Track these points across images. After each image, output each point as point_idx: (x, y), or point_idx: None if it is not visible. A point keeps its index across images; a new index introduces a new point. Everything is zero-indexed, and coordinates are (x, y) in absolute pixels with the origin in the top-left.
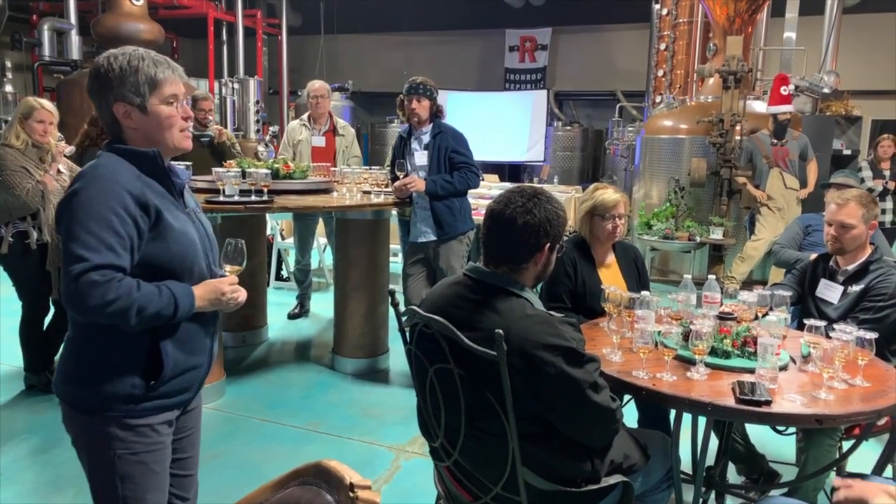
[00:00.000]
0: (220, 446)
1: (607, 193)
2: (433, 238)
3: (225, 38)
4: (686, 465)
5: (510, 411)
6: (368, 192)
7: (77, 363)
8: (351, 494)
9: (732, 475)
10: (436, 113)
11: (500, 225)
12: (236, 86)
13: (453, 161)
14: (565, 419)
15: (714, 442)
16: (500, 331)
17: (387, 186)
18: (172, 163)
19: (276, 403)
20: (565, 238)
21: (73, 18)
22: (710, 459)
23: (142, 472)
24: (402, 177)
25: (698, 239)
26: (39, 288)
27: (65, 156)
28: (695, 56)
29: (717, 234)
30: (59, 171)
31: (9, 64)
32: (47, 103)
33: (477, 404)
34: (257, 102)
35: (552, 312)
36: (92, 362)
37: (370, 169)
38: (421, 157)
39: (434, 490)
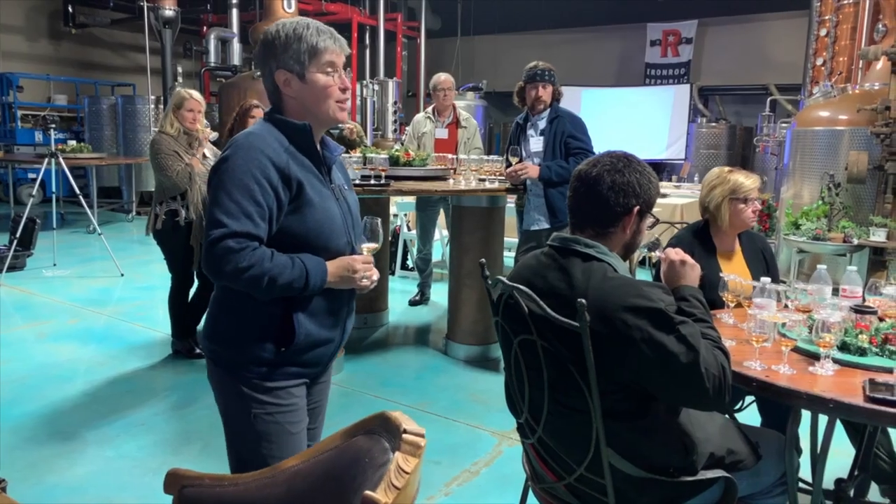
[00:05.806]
0: (334, 418)
1: (743, 175)
2: (546, 226)
3: (367, 41)
4: (807, 472)
5: (593, 386)
6: (483, 180)
7: (219, 323)
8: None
9: (875, 495)
10: (555, 98)
11: (587, 185)
12: (376, 87)
13: (569, 146)
14: (665, 391)
15: (850, 453)
16: (583, 300)
17: (502, 174)
18: (327, 137)
19: (390, 382)
20: (683, 227)
21: (235, 28)
22: (843, 471)
23: (279, 433)
24: (515, 163)
25: (856, 241)
26: (185, 261)
27: (210, 141)
28: (861, 41)
29: (879, 237)
30: (204, 156)
31: (180, 70)
32: (196, 93)
33: (560, 378)
34: (395, 103)
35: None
36: (231, 323)
37: (486, 158)
38: (536, 143)
39: None
